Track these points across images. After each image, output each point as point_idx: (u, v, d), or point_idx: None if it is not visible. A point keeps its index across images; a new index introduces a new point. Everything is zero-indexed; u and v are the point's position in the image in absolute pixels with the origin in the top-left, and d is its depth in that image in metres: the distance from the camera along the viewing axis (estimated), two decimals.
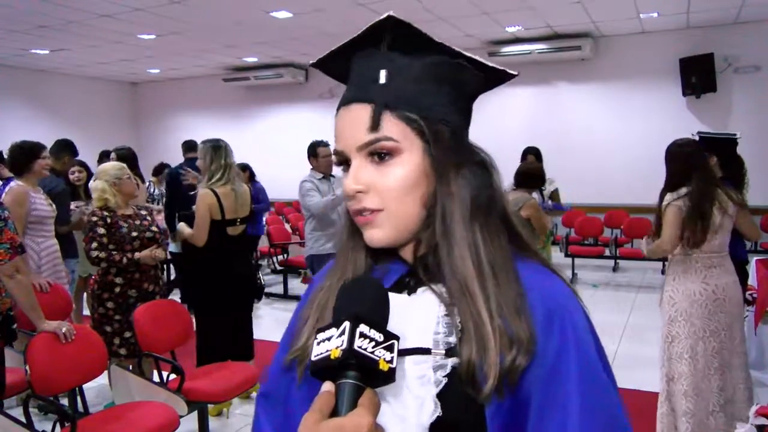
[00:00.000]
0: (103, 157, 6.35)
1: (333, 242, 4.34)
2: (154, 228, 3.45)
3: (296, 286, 7.04)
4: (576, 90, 9.00)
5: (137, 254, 3.28)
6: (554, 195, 5.36)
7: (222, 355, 3.52)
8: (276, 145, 10.78)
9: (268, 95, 11.28)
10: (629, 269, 7.90)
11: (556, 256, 6.88)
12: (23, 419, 2.57)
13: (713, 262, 2.85)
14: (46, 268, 3.77)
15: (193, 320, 3.57)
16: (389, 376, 0.62)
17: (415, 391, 0.70)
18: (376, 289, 0.70)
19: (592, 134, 8.78)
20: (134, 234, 3.32)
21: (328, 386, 0.62)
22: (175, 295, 5.93)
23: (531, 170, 4.25)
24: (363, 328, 0.62)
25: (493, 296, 0.70)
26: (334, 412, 0.60)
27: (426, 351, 0.71)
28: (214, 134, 3.96)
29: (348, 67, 0.79)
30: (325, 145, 4.55)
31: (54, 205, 3.85)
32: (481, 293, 0.70)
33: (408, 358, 0.71)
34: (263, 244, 7.25)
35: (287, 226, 8.43)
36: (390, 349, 0.63)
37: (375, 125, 0.72)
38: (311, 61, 0.84)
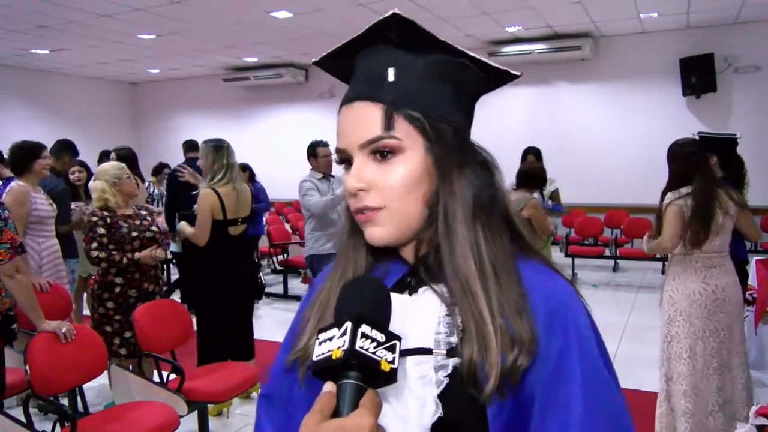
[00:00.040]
0: (103, 157, 6.35)
1: (333, 242, 4.34)
2: (154, 228, 3.45)
3: (296, 286, 7.04)
4: (576, 90, 9.00)
5: (137, 254, 3.28)
6: (554, 195, 5.36)
7: (223, 355, 3.52)
8: (276, 145, 10.78)
9: (268, 95, 11.28)
10: (629, 269, 7.90)
11: (556, 256, 6.88)
12: (23, 419, 2.57)
13: (713, 262, 2.85)
14: (47, 268, 3.77)
15: (194, 320, 3.57)
16: (391, 377, 0.62)
17: (417, 391, 0.70)
18: (377, 289, 0.69)
19: (592, 134, 8.78)
20: (134, 234, 3.32)
21: (329, 386, 0.62)
22: (177, 295, 5.93)
23: (532, 170, 4.25)
24: (365, 328, 0.62)
25: (494, 296, 0.70)
26: (336, 413, 0.60)
27: (427, 351, 0.71)
28: (214, 134, 3.96)
29: (351, 66, 0.78)
30: (325, 145, 4.55)
31: (54, 205, 3.85)
32: (482, 293, 0.70)
33: (409, 359, 0.70)
34: (263, 244, 7.25)
35: (287, 226, 8.43)
36: (392, 349, 0.63)
37: (388, 125, 0.72)
38: (314, 59, 0.84)
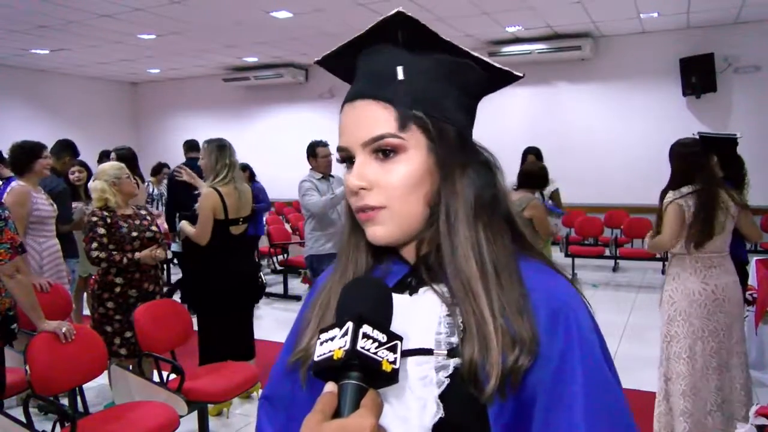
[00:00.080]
0: (103, 157, 6.34)
1: (333, 242, 4.34)
2: (153, 228, 3.45)
3: (296, 286, 7.04)
4: (576, 90, 9.00)
5: (137, 254, 3.28)
6: (555, 195, 5.35)
7: (224, 355, 3.52)
8: (276, 145, 10.78)
9: (268, 95, 11.28)
10: (629, 269, 7.90)
11: (557, 256, 6.88)
12: (23, 419, 2.57)
13: (713, 262, 2.85)
14: (48, 268, 3.77)
15: (194, 320, 3.57)
16: (392, 377, 0.62)
17: (417, 392, 0.70)
18: (379, 289, 0.69)
19: (592, 134, 8.78)
20: (134, 234, 3.32)
21: (330, 387, 0.62)
22: (179, 295, 5.94)
23: (534, 170, 4.23)
24: (366, 328, 0.62)
25: (495, 296, 0.70)
26: (337, 413, 0.60)
27: (428, 352, 0.71)
28: (214, 134, 3.96)
29: (353, 65, 0.78)
30: (324, 145, 4.55)
31: (55, 205, 3.85)
32: (484, 293, 0.70)
33: (410, 359, 0.70)
34: (263, 244, 7.25)
35: (287, 226, 8.44)
36: (393, 349, 0.62)
37: (403, 125, 0.72)
38: (316, 59, 0.84)
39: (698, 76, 7.90)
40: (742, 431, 2.10)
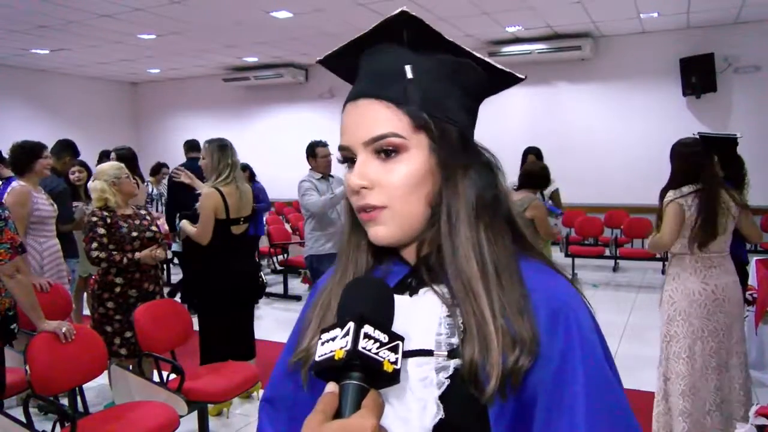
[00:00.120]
0: (103, 157, 6.34)
1: (333, 242, 4.35)
2: (153, 228, 3.45)
3: (296, 286, 7.04)
4: (576, 90, 9.00)
5: (137, 254, 3.29)
6: (554, 195, 5.35)
7: (225, 354, 3.53)
8: (276, 145, 10.78)
9: (268, 95, 11.28)
10: (629, 269, 7.90)
11: (557, 256, 6.88)
12: (23, 419, 2.57)
13: (714, 263, 2.85)
14: (49, 268, 3.77)
15: (194, 320, 3.58)
16: (394, 378, 0.61)
17: (418, 393, 0.70)
18: (381, 290, 0.69)
19: (592, 134, 8.78)
20: (134, 234, 3.32)
21: (331, 387, 0.62)
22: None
23: (535, 170, 4.21)
24: (367, 328, 0.61)
25: (496, 297, 0.70)
26: (338, 414, 0.59)
27: (428, 353, 0.71)
28: (214, 134, 3.96)
29: (355, 64, 0.78)
30: (324, 145, 4.55)
31: (55, 205, 3.85)
32: (484, 294, 0.70)
33: (410, 360, 0.70)
34: (263, 244, 7.25)
35: (287, 226, 8.44)
36: (395, 350, 0.62)
37: (405, 125, 0.72)
38: (318, 58, 0.83)
39: (698, 76, 7.90)
40: (742, 431, 2.10)
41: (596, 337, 0.71)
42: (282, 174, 8.55)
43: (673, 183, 2.94)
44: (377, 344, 0.61)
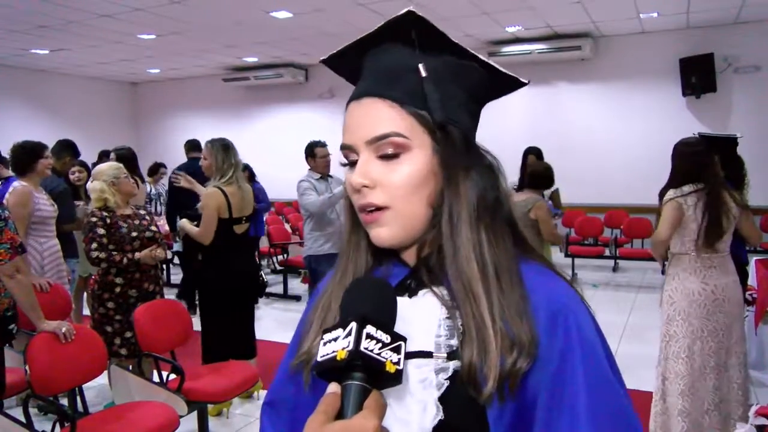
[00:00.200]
0: (103, 157, 6.34)
1: (332, 242, 4.36)
2: (153, 228, 3.46)
3: (296, 286, 7.04)
4: (576, 90, 8.99)
5: (137, 254, 3.29)
6: (554, 196, 5.35)
7: (226, 353, 3.54)
8: (276, 145, 10.78)
9: (268, 95, 11.28)
10: (629, 269, 7.90)
11: (556, 256, 6.88)
12: (23, 419, 2.57)
13: (714, 263, 2.85)
14: (49, 268, 3.77)
15: (194, 319, 3.58)
16: (396, 378, 0.61)
17: (418, 394, 0.70)
18: (383, 290, 0.69)
19: (592, 134, 8.78)
20: (134, 234, 3.32)
21: (333, 387, 0.62)
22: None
23: (539, 170, 4.18)
24: (370, 329, 0.61)
25: (496, 299, 0.70)
26: (340, 414, 0.59)
27: (428, 354, 0.71)
28: (214, 134, 3.97)
29: (359, 64, 0.78)
30: (323, 145, 4.55)
31: (56, 205, 3.85)
32: (484, 296, 0.70)
33: (410, 362, 0.70)
34: (263, 244, 7.25)
35: (287, 226, 8.44)
36: (397, 350, 0.62)
37: (408, 125, 0.72)
38: (321, 57, 0.83)
39: (698, 76, 7.89)
40: (742, 431, 2.10)
41: (596, 338, 0.71)
42: (282, 174, 8.55)
43: (674, 182, 2.94)
44: (379, 345, 0.61)
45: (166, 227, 5.71)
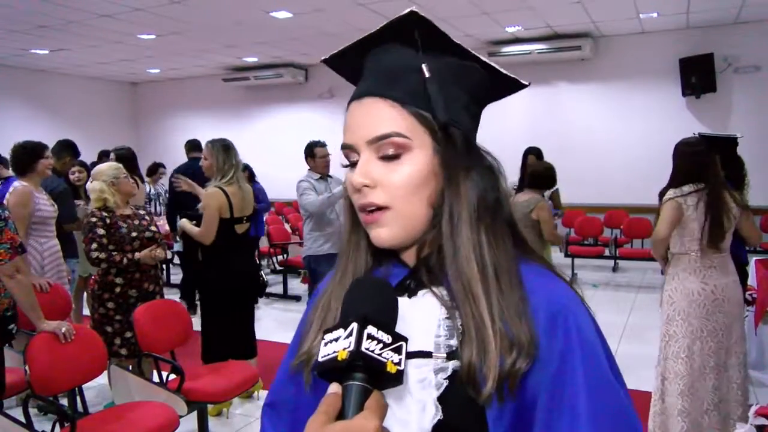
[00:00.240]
0: (103, 157, 6.35)
1: (331, 242, 4.36)
2: (153, 228, 3.46)
3: (296, 286, 7.04)
4: (576, 90, 8.99)
5: (137, 254, 3.29)
6: (554, 196, 5.35)
7: (227, 353, 3.54)
8: (276, 145, 10.78)
9: (268, 95, 11.28)
10: (629, 269, 7.90)
11: (556, 256, 6.88)
12: (23, 419, 2.57)
13: (713, 263, 2.85)
14: (50, 268, 3.78)
15: (194, 319, 3.58)
16: (397, 378, 0.61)
17: (417, 394, 0.70)
18: (384, 290, 0.69)
19: (592, 134, 8.78)
20: (134, 234, 3.32)
21: (334, 388, 0.62)
22: (177, 295, 5.92)
23: (541, 170, 4.16)
24: (371, 329, 0.61)
25: (495, 299, 0.70)
26: (341, 415, 0.59)
27: (427, 354, 0.71)
28: (214, 134, 3.98)
29: (360, 64, 0.78)
30: (323, 145, 4.56)
31: (56, 205, 3.85)
32: (483, 296, 0.70)
33: (409, 362, 0.70)
34: (263, 244, 7.25)
35: (287, 226, 8.44)
36: (398, 351, 0.62)
37: (410, 125, 0.72)
38: (322, 57, 0.83)
39: (698, 76, 7.89)
40: (742, 431, 2.10)
41: (596, 339, 0.71)
42: (281, 174, 8.55)
43: (674, 182, 2.94)
44: (380, 345, 0.61)
45: (167, 227, 5.71)
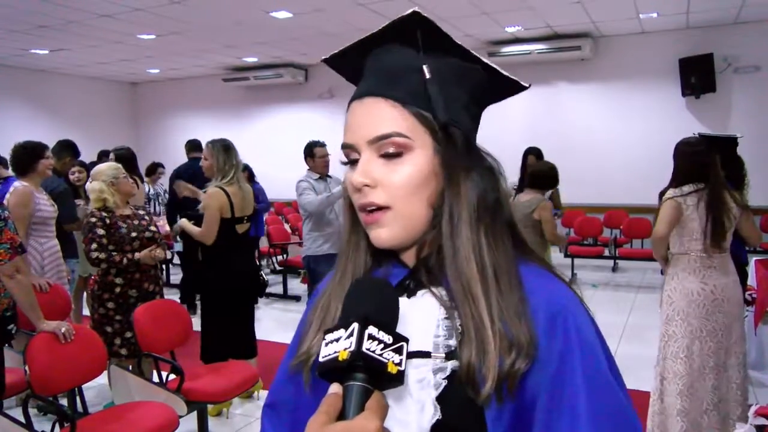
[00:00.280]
0: (102, 157, 6.35)
1: (330, 243, 4.36)
2: (152, 228, 3.46)
3: (296, 286, 7.04)
4: (576, 90, 8.99)
5: (137, 254, 3.29)
6: (554, 196, 5.34)
7: (227, 353, 3.54)
8: (276, 145, 10.77)
9: (268, 95, 11.27)
10: (629, 269, 7.90)
11: (556, 256, 6.88)
12: (22, 419, 2.57)
13: (713, 263, 2.85)
14: (50, 268, 3.78)
15: (194, 320, 3.58)
16: (398, 379, 0.61)
17: (416, 394, 0.70)
18: (384, 290, 0.69)
19: (592, 134, 8.78)
20: (133, 234, 3.32)
21: (335, 388, 0.62)
22: (177, 296, 5.92)
23: (544, 170, 4.13)
24: (372, 329, 0.61)
25: (494, 300, 0.70)
26: (342, 415, 0.59)
27: (426, 354, 0.71)
28: (214, 134, 3.98)
29: (361, 64, 0.78)
30: (322, 145, 4.56)
31: (56, 206, 3.85)
32: (483, 296, 0.70)
33: (408, 362, 0.70)
34: (263, 244, 7.25)
35: (287, 226, 8.44)
36: (399, 351, 0.62)
37: (411, 125, 0.72)
38: (323, 57, 0.83)
39: (698, 76, 7.89)
40: (741, 431, 2.10)
41: (596, 340, 0.71)
42: (281, 174, 8.54)
43: (675, 182, 2.95)
44: (381, 345, 0.61)
45: (166, 227, 5.71)
